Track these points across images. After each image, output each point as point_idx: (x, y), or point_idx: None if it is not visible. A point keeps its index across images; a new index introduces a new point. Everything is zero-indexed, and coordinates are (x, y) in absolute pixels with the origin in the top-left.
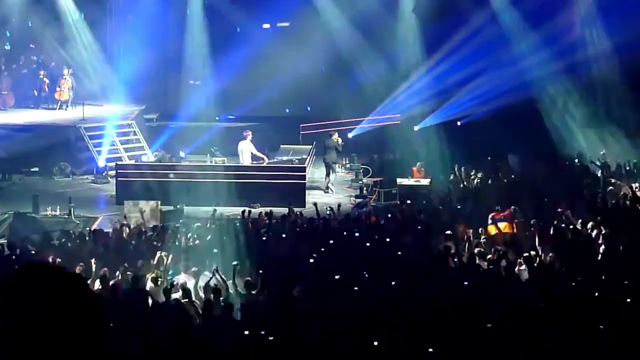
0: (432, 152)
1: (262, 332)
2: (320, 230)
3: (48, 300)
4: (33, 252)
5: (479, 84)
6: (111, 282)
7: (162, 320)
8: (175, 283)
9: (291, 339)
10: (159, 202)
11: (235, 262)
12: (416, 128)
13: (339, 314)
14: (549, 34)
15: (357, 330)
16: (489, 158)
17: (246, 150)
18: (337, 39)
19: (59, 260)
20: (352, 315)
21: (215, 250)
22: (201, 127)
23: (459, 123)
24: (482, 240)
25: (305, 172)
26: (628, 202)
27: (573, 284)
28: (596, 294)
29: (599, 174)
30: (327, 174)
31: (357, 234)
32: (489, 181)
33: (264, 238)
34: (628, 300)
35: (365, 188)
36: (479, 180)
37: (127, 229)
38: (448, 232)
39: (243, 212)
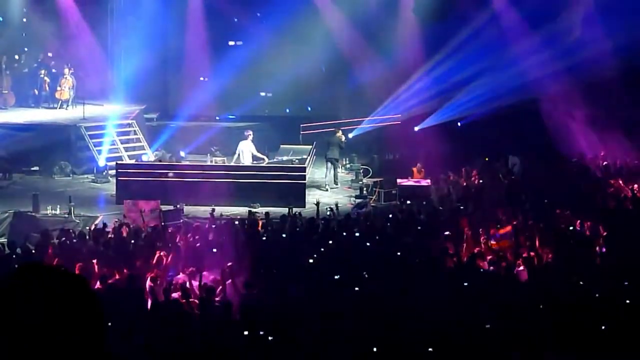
0: (433, 153)
1: (262, 332)
2: (320, 230)
3: (48, 300)
4: (33, 251)
5: (479, 84)
6: (110, 282)
7: (161, 319)
8: (174, 283)
9: (290, 339)
10: (159, 202)
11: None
12: (416, 128)
13: (338, 315)
14: (549, 35)
15: (356, 331)
16: (487, 159)
17: (247, 150)
18: (337, 39)
19: (57, 259)
20: (351, 316)
21: (214, 250)
22: (201, 126)
23: (459, 124)
24: (482, 241)
25: (305, 172)
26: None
27: (572, 285)
28: (596, 295)
29: (600, 175)
30: (328, 171)
31: (357, 234)
32: (490, 182)
33: (264, 238)
34: (627, 301)
35: (365, 188)
36: (479, 181)
37: (127, 228)
38: (447, 232)
39: (249, 212)
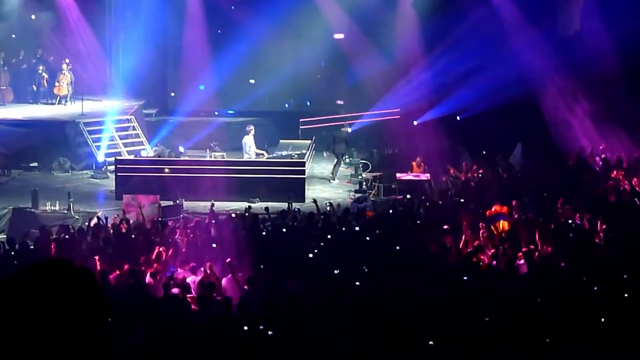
0: (432, 147)
1: (261, 327)
2: (320, 225)
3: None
4: (32, 247)
5: (479, 78)
6: (110, 277)
7: (160, 315)
8: (174, 278)
9: (290, 334)
10: (158, 197)
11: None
12: (415, 123)
13: (338, 309)
14: (548, 28)
15: (356, 326)
16: (484, 152)
17: (250, 145)
18: (336, 34)
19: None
20: (351, 310)
21: (214, 245)
22: (200, 122)
23: (458, 118)
24: (481, 235)
25: (304, 167)
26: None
27: (571, 278)
28: (595, 288)
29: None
30: (336, 165)
31: (356, 228)
32: (489, 176)
33: (264, 233)
34: (626, 295)
35: (364, 183)
36: (479, 175)
37: (126, 223)
38: (446, 227)
39: (246, 208)
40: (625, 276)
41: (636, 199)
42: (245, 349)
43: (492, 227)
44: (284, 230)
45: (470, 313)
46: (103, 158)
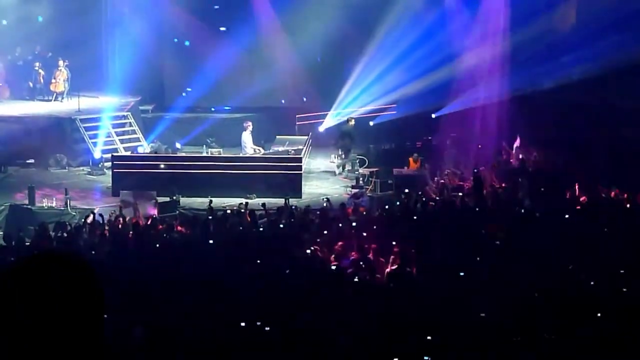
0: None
1: (259, 323)
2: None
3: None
4: (28, 243)
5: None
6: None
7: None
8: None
9: (287, 330)
10: (155, 193)
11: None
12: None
13: (335, 305)
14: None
15: (352, 321)
16: (480, 146)
17: (247, 141)
18: (332, 30)
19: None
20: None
21: (211, 242)
22: (197, 118)
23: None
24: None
25: (301, 162)
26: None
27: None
28: (592, 283)
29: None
30: (343, 157)
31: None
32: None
33: (261, 229)
34: (624, 289)
35: (361, 178)
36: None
37: (122, 219)
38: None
39: (240, 204)
40: (622, 271)
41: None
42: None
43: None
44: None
45: (466, 308)
46: (100, 154)
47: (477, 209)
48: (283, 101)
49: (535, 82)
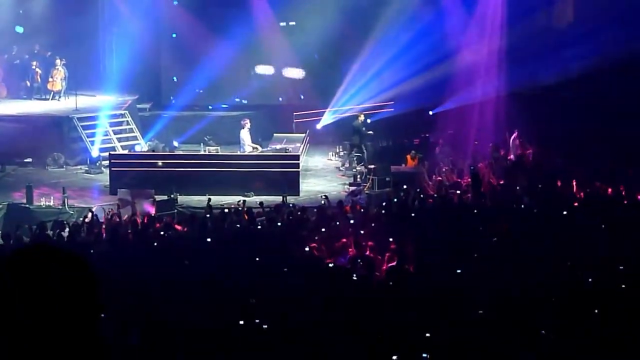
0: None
1: (257, 321)
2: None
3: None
4: (27, 242)
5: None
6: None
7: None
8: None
9: (285, 328)
10: (153, 192)
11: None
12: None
13: (333, 303)
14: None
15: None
16: (476, 142)
17: (246, 139)
18: (330, 27)
19: None
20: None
21: (208, 240)
22: (194, 116)
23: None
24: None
25: (299, 160)
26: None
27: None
28: (589, 280)
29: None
30: (348, 154)
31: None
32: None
33: (259, 227)
34: (623, 286)
35: (359, 176)
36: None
37: (118, 218)
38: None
39: (238, 202)
40: (620, 267)
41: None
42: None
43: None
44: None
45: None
46: (97, 153)
47: (475, 206)
48: (280, 99)
49: (533, 78)
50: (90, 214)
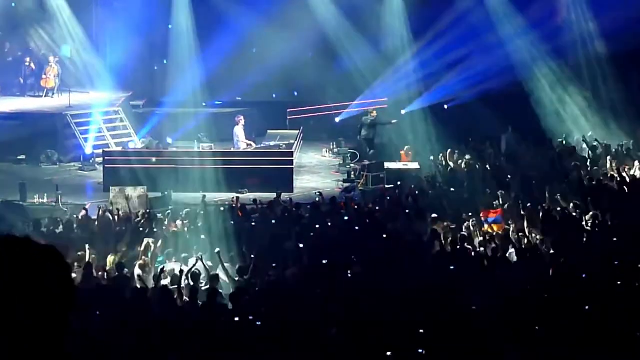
0: (420, 136)
1: (251, 318)
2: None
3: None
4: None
5: (465, 67)
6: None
7: (149, 306)
8: (164, 269)
9: (280, 324)
10: (146, 189)
11: (217, 250)
12: (403, 112)
13: (327, 299)
14: (535, 17)
15: (346, 316)
16: (471, 139)
17: (240, 135)
18: (324, 24)
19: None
20: (340, 300)
21: (202, 237)
22: (188, 113)
23: (445, 106)
24: (471, 224)
25: (293, 157)
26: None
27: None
28: (584, 276)
29: (587, 156)
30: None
31: (346, 218)
32: (477, 164)
33: (253, 223)
34: (619, 282)
35: (353, 172)
36: (466, 164)
37: (110, 215)
38: (434, 215)
39: (232, 199)
40: (616, 262)
41: (624, 186)
42: (236, 339)
43: (486, 227)
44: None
45: (458, 301)
46: (91, 150)
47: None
48: (274, 95)
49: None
50: (83, 211)
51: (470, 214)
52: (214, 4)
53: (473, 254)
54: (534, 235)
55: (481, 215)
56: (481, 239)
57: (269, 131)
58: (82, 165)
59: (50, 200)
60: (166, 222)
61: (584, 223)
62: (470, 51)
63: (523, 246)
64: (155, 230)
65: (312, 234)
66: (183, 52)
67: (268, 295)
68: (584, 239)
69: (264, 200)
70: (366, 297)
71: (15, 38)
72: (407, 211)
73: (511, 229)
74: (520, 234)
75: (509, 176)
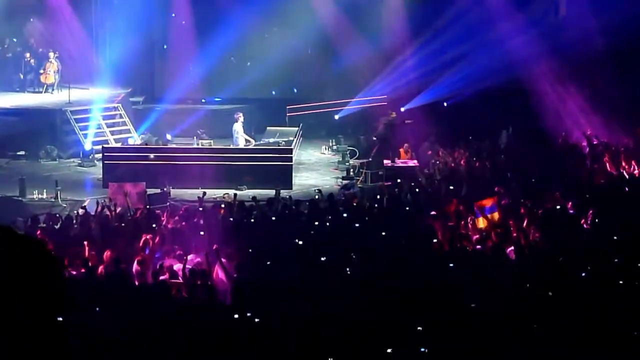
0: (419, 133)
1: (249, 314)
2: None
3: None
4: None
5: (465, 64)
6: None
7: (147, 302)
8: (162, 266)
9: (278, 320)
10: (145, 185)
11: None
12: (403, 109)
13: (326, 296)
14: (534, 14)
15: (343, 313)
16: (470, 137)
17: (239, 132)
18: (323, 21)
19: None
20: (338, 297)
21: (201, 233)
22: (187, 109)
23: (445, 104)
24: (470, 222)
25: (292, 154)
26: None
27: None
28: (583, 274)
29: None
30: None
31: (344, 215)
32: (475, 162)
33: (252, 220)
34: (619, 282)
35: (351, 169)
36: (465, 161)
37: (108, 210)
38: (433, 213)
39: (224, 195)
40: (615, 260)
41: (624, 185)
42: (233, 336)
43: (482, 219)
44: (273, 218)
45: (457, 299)
46: (90, 146)
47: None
48: (274, 92)
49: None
50: (82, 210)
51: (468, 211)
52: (213, 0)
53: (472, 251)
54: (532, 233)
55: (475, 208)
56: (479, 236)
57: (268, 128)
58: (81, 161)
59: (49, 195)
60: (165, 219)
61: (582, 222)
62: (469, 48)
63: (522, 245)
64: (153, 226)
65: (312, 232)
66: (182, 49)
67: (266, 292)
68: (583, 238)
69: (264, 196)
70: (365, 294)
71: (14, 34)
72: (407, 208)
73: (510, 227)
74: (519, 232)
75: (508, 174)
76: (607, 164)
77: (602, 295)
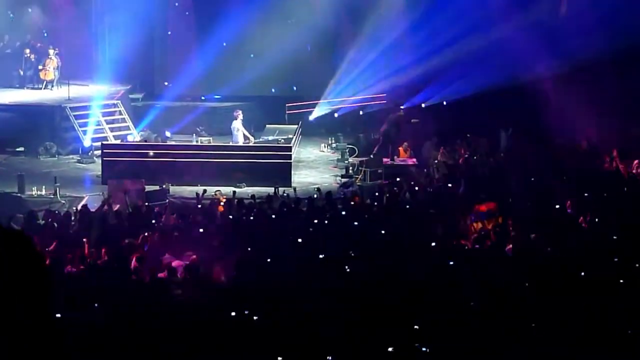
0: (419, 132)
1: (247, 312)
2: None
3: None
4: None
5: (465, 63)
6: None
7: (145, 299)
8: (161, 262)
9: (276, 318)
10: (144, 182)
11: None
12: (402, 107)
13: (325, 294)
14: (535, 13)
15: (342, 311)
16: (468, 135)
17: (238, 130)
18: (322, 18)
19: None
20: (337, 295)
21: (200, 230)
22: (187, 106)
23: (444, 102)
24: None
25: (291, 151)
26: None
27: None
28: (582, 273)
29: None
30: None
31: (343, 213)
32: (475, 160)
33: (251, 218)
34: (619, 282)
35: (351, 168)
36: (464, 160)
37: (108, 207)
38: (432, 211)
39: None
40: (615, 259)
41: (623, 184)
42: (231, 333)
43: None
44: (273, 215)
45: (455, 297)
46: (89, 143)
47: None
48: (273, 90)
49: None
50: (81, 204)
51: (467, 210)
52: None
53: (470, 250)
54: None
55: (474, 210)
56: (478, 235)
57: (267, 126)
58: (80, 157)
59: (48, 192)
60: (164, 216)
61: (581, 221)
62: (470, 47)
63: (521, 243)
64: (153, 223)
65: (310, 229)
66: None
67: (265, 290)
68: (582, 238)
69: (262, 194)
70: (364, 292)
71: (13, 30)
72: (407, 206)
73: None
74: (518, 231)
75: (508, 173)
76: (607, 164)
77: (603, 296)
